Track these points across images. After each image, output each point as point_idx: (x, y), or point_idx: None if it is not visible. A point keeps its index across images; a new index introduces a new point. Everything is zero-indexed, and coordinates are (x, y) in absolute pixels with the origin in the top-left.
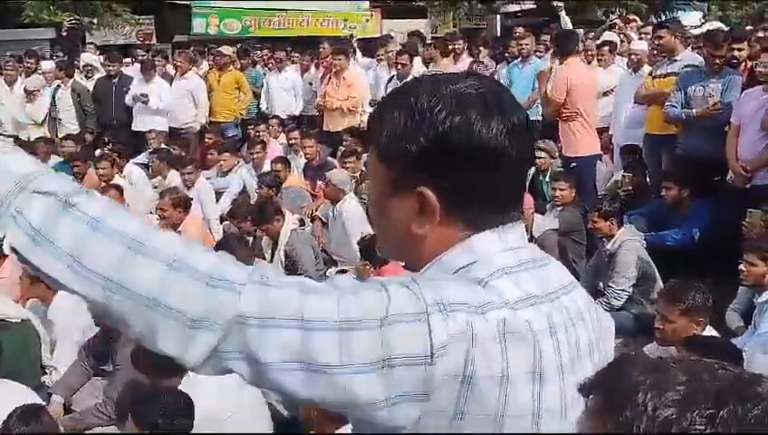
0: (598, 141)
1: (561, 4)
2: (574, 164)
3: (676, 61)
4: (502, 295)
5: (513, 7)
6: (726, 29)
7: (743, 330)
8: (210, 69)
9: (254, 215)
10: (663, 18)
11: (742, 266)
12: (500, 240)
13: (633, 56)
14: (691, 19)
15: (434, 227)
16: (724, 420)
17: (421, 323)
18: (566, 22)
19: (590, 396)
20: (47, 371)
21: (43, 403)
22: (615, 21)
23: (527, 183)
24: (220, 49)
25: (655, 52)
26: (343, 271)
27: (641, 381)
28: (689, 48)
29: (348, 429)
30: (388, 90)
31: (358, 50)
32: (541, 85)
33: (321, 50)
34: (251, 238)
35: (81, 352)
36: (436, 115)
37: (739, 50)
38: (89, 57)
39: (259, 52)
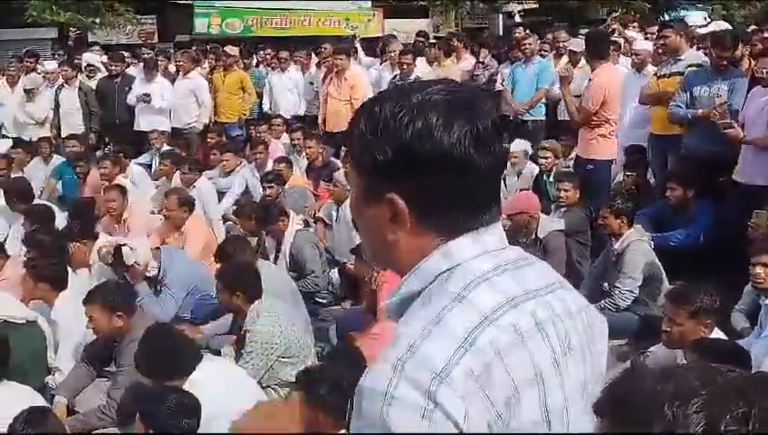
0: (616, 145)
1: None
2: (591, 166)
3: (680, 60)
4: (480, 309)
5: (516, 6)
6: (731, 28)
7: (749, 331)
8: (213, 69)
9: (259, 216)
10: (666, 18)
11: (758, 270)
12: (476, 244)
13: (636, 56)
14: (696, 18)
15: (407, 233)
16: (757, 417)
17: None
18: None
19: (603, 416)
20: (51, 371)
21: (48, 405)
22: (614, 27)
23: (501, 185)
24: (226, 49)
25: (660, 51)
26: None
27: (659, 391)
28: (694, 47)
29: None
30: None
31: (360, 49)
32: (565, 90)
33: (323, 50)
34: (255, 238)
35: (83, 354)
36: (399, 122)
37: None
38: (90, 57)
39: (262, 51)
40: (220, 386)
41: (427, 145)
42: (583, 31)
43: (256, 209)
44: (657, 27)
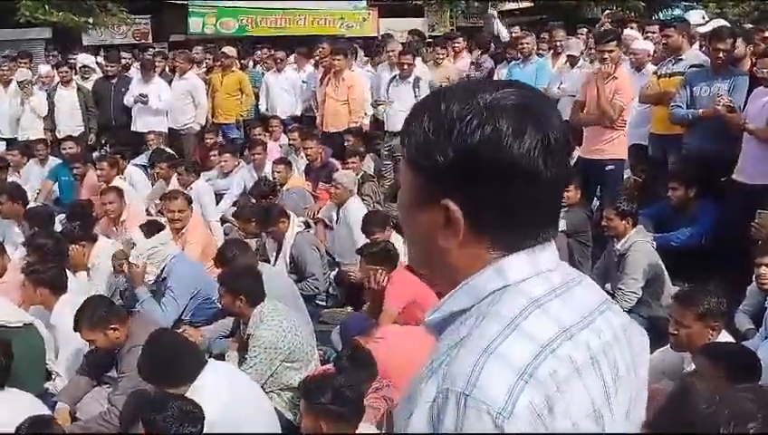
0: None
1: (495, 12)
2: (612, 167)
3: (681, 60)
4: (535, 339)
5: (511, 5)
6: (728, 25)
7: (753, 332)
8: (210, 69)
9: (260, 217)
10: (661, 17)
11: (763, 270)
12: (530, 264)
13: (635, 56)
14: (695, 17)
15: (459, 242)
16: None
17: None
18: (500, 29)
19: None
20: (51, 376)
21: (51, 413)
22: (607, 24)
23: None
24: (224, 50)
25: (662, 50)
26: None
27: (714, 414)
28: (695, 46)
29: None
30: (390, 90)
31: (360, 50)
32: (591, 92)
33: (320, 50)
34: (255, 240)
35: (83, 361)
36: (466, 125)
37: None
38: (85, 58)
39: (260, 52)
40: (224, 392)
41: (494, 152)
42: (582, 30)
43: (257, 211)
44: (657, 26)
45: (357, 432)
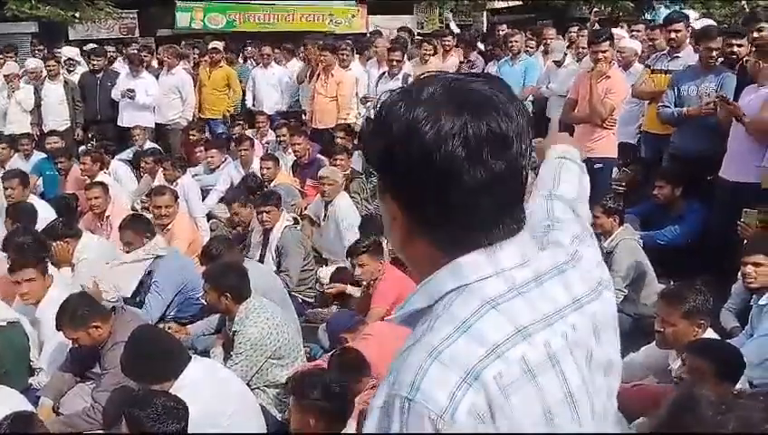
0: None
1: (450, 14)
2: (600, 165)
3: (677, 57)
4: (485, 341)
5: (500, 4)
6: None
7: (738, 330)
8: (197, 64)
9: (257, 199)
10: (648, 17)
11: (748, 269)
12: (489, 263)
13: (621, 54)
14: (691, 16)
15: (407, 239)
16: None
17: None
18: (453, 28)
19: None
20: (35, 372)
21: (34, 410)
22: (596, 23)
23: (522, 195)
24: (213, 45)
25: (671, 45)
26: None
27: (721, 423)
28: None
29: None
30: (379, 87)
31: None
32: (583, 91)
33: (309, 48)
34: (238, 231)
35: (67, 356)
36: (392, 117)
37: (739, 46)
38: (69, 51)
39: (249, 48)
40: (207, 389)
41: (408, 142)
42: (573, 28)
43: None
44: (643, 26)
45: (345, 433)
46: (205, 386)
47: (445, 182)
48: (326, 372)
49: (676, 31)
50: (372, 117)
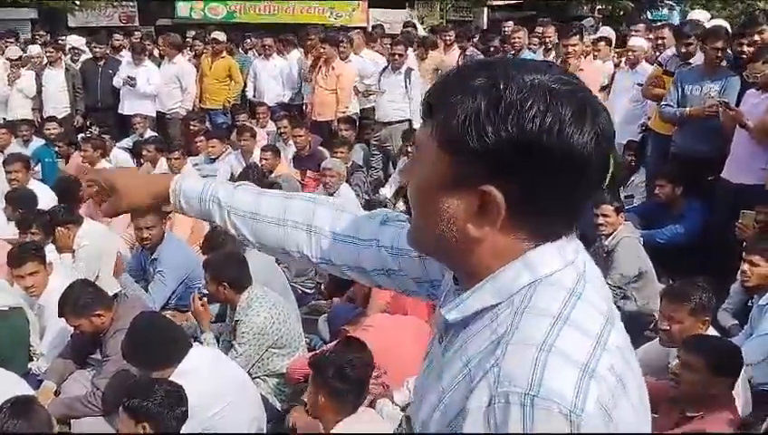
0: None
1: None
2: None
3: (690, 64)
4: (588, 331)
5: (499, 1)
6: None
7: (736, 328)
8: (199, 54)
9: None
10: (650, 16)
11: (744, 267)
12: (558, 256)
13: (631, 53)
14: (701, 17)
15: (493, 231)
16: None
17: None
18: (420, 31)
19: None
20: (34, 357)
21: (34, 393)
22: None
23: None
24: (215, 35)
25: (684, 54)
26: None
27: None
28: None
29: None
30: (381, 81)
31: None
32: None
33: (310, 40)
34: None
35: (69, 342)
36: (528, 109)
37: (748, 45)
38: (75, 40)
39: (250, 40)
40: (207, 378)
41: (554, 140)
42: (539, 29)
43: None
44: (643, 26)
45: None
46: (205, 374)
47: (577, 176)
48: (343, 353)
49: (689, 44)
50: (486, 103)
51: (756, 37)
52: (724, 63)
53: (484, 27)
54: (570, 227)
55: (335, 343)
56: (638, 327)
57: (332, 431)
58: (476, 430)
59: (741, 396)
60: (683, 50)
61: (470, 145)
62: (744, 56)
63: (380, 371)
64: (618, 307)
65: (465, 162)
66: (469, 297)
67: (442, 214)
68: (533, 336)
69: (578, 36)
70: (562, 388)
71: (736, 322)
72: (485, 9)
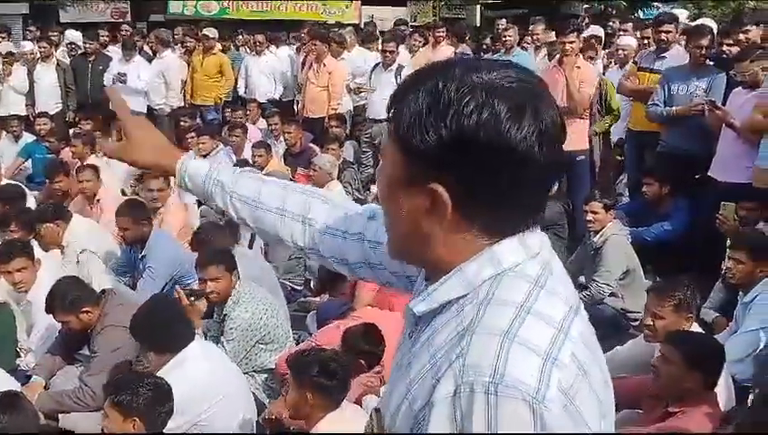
0: None
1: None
2: (582, 157)
3: (664, 57)
4: (551, 321)
5: None
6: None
7: (722, 321)
8: (191, 50)
9: None
10: (642, 15)
11: (728, 264)
12: (522, 248)
13: (621, 51)
14: (681, 16)
15: (445, 228)
16: None
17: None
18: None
19: None
20: (21, 353)
21: (19, 390)
22: (587, 21)
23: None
24: (206, 32)
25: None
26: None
27: None
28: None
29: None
30: (373, 78)
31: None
32: (553, 84)
33: (303, 35)
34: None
35: (57, 338)
36: (464, 107)
37: (729, 45)
38: (72, 35)
39: (242, 37)
40: (204, 369)
41: (492, 136)
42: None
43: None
44: (631, 24)
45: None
46: (204, 366)
47: (521, 172)
48: (325, 351)
49: (666, 32)
50: (427, 103)
51: (741, 37)
52: (710, 62)
53: (477, 25)
54: (527, 221)
55: (353, 326)
56: (624, 324)
57: (319, 427)
58: (443, 419)
59: (723, 393)
60: (658, 38)
61: (415, 144)
62: (726, 56)
63: (382, 364)
64: (603, 303)
65: (415, 161)
66: (435, 290)
67: (403, 213)
68: (497, 326)
69: (575, 34)
70: (525, 375)
71: (719, 314)
72: (478, 7)
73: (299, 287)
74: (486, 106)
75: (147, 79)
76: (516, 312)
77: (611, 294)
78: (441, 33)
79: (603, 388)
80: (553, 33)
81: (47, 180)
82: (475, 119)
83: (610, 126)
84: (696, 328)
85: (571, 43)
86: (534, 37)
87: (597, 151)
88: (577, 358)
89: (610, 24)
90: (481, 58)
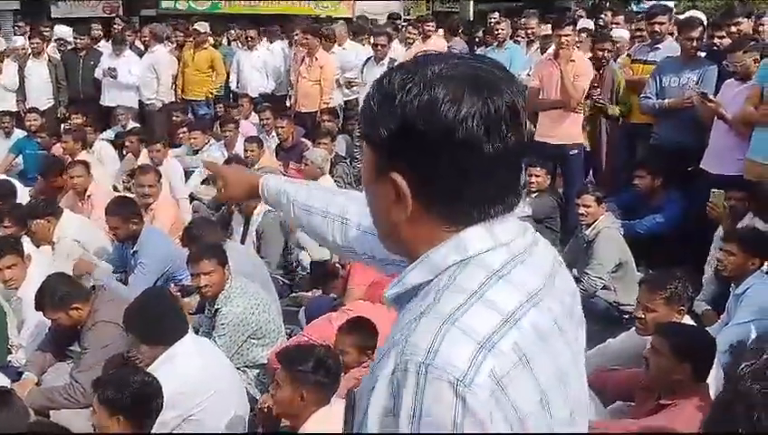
0: None
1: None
2: (575, 151)
3: (658, 49)
4: (499, 309)
5: None
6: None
7: (712, 314)
8: (182, 45)
9: None
10: (634, 8)
11: (719, 256)
12: (489, 236)
13: (617, 44)
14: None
15: (410, 217)
16: None
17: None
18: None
19: None
20: (12, 350)
21: (10, 386)
22: (579, 14)
23: (522, 173)
24: (196, 27)
25: (653, 37)
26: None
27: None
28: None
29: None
30: (364, 72)
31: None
32: (548, 77)
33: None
34: (220, 213)
35: (47, 335)
36: (406, 94)
37: (720, 37)
38: (61, 30)
39: (234, 32)
40: (197, 363)
41: (428, 118)
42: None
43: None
44: (622, 17)
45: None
46: (196, 361)
47: (465, 157)
48: (319, 347)
49: (660, 23)
50: (378, 95)
51: (733, 29)
52: (701, 54)
53: (471, 18)
54: (493, 209)
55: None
56: (617, 317)
57: (306, 427)
58: (381, 394)
59: (715, 385)
60: (651, 29)
61: (373, 137)
62: (717, 47)
63: (372, 358)
64: (596, 296)
65: (377, 153)
66: (405, 275)
67: (374, 203)
68: (443, 311)
69: (571, 27)
70: (456, 359)
71: (709, 307)
72: (471, 0)
73: (290, 282)
74: (426, 92)
75: (138, 73)
76: (466, 298)
77: (604, 287)
78: (431, 27)
79: (555, 381)
80: (548, 26)
81: (41, 177)
82: (416, 104)
83: (621, 114)
84: (688, 321)
85: (567, 36)
86: (528, 31)
87: (604, 136)
88: (520, 347)
89: (602, 16)
90: (439, 53)
